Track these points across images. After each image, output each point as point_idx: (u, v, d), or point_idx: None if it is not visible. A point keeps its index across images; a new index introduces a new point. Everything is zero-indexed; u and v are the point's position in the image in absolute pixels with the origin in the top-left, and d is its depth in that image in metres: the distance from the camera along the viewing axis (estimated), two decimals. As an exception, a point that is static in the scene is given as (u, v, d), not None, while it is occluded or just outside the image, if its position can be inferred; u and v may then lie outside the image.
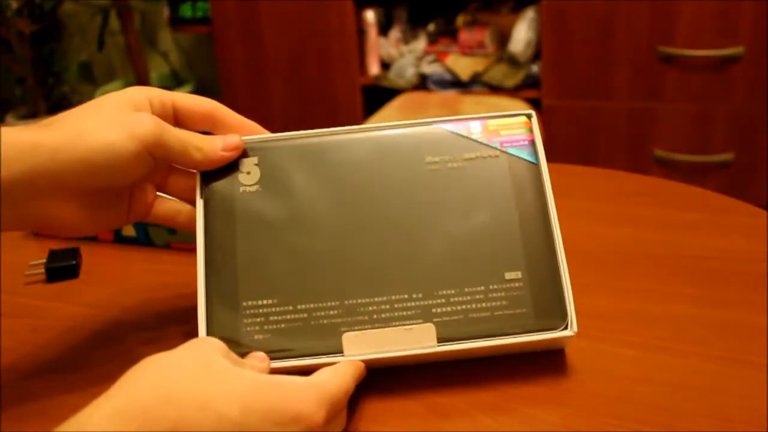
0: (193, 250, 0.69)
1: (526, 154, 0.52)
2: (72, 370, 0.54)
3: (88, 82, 2.99)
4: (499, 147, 0.52)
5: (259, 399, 0.39)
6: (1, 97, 3.02)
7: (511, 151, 0.52)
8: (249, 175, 0.52)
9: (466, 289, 0.49)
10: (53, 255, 0.67)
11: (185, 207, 0.54)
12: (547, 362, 0.51)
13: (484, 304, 0.48)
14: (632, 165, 2.03)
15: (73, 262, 0.67)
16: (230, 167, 0.52)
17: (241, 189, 0.51)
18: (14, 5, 2.66)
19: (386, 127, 0.53)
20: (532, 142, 0.52)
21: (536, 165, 0.52)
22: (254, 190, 0.51)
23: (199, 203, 0.51)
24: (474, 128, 0.52)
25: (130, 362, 0.55)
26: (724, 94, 1.91)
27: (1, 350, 0.57)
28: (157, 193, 0.54)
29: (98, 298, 0.63)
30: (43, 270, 0.66)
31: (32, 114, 2.82)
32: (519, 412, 0.47)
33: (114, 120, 0.48)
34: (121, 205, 0.52)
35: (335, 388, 0.43)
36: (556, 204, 0.63)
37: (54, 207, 0.48)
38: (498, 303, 0.48)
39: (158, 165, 0.51)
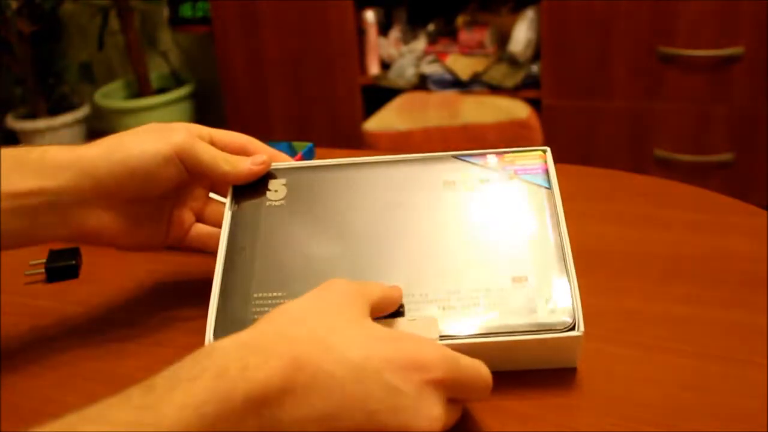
0: (193, 250, 0.69)
1: (539, 180, 0.54)
2: (72, 370, 0.54)
3: (88, 82, 2.99)
4: (513, 173, 0.54)
5: (381, 346, 0.40)
6: (1, 97, 3.01)
7: (525, 177, 0.54)
8: (276, 192, 0.55)
9: (473, 289, 0.49)
10: (53, 255, 0.67)
11: (218, 232, 0.57)
12: (547, 362, 0.51)
13: (490, 302, 0.49)
14: (632, 165, 2.03)
15: (73, 262, 0.67)
16: (259, 185, 0.56)
17: (268, 203, 0.55)
18: (14, 5, 2.66)
19: (406, 158, 0.56)
20: (546, 171, 0.54)
21: (549, 189, 0.53)
22: (279, 205, 0.55)
23: (227, 214, 0.55)
24: (490, 159, 0.55)
25: (131, 362, 0.55)
26: (724, 94, 1.91)
27: (1, 350, 0.57)
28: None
29: (98, 298, 0.63)
30: (43, 270, 0.66)
31: (32, 114, 2.83)
32: (519, 411, 0.47)
33: (151, 135, 0.54)
34: (160, 223, 0.57)
35: (467, 364, 0.42)
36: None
37: (96, 215, 0.53)
38: (505, 303, 0.48)
39: (192, 180, 0.56)
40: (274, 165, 0.56)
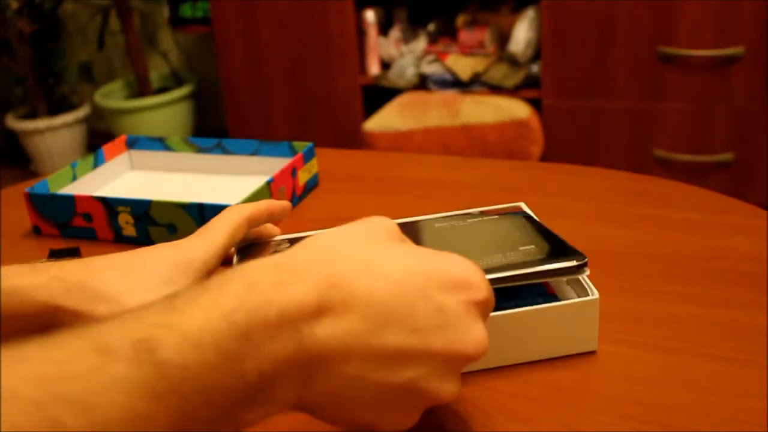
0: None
1: (520, 215, 0.60)
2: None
3: (88, 82, 2.99)
4: (496, 215, 0.60)
5: (423, 263, 0.38)
6: (1, 97, 3.02)
7: (507, 215, 0.60)
8: (280, 246, 0.58)
9: (485, 257, 0.51)
10: (53, 255, 0.67)
11: None
12: (547, 362, 0.51)
13: (503, 260, 0.50)
14: (632, 165, 2.03)
15: (73, 262, 0.66)
16: (264, 247, 0.58)
17: (273, 251, 0.56)
18: (14, 5, 2.66)
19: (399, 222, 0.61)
20: (523, 211, 0.60)
21: (530, 217, 0.59)
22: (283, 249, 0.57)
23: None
24: (474, 212, 0.61)
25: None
26: (724, 94, 1.92)
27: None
28: None
29: (98, 298, 0.63)
30: (43, 270, 0.66)
31: (32, 114, 2.83)
32: (519, 411, 0.47)
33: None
34: None
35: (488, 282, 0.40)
36: (556, 204, 0.63)
37: None
38: (516, 259, 0.51)
39: None
40: (277, 237, 0.59)
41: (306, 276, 0.35)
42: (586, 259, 0.50)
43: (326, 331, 0.34)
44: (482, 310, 0.39)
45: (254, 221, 0.55)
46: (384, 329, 0.35)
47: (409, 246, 0.40)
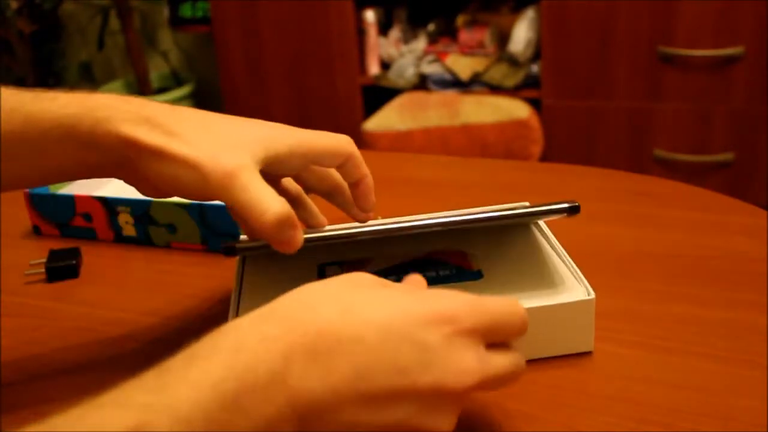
0: (193, 249, 0.70)
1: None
2: (72, 370, 0.54)
3: (88, 82, 2.99)
4: None
5: (404, 304, 0.38)
6: (1, 97, 3.01)
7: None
8: None
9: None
10: (53, 255, 0.67)
11: None
12: (546, 362, 0.51)
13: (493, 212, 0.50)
14: (632, 165, 2.03)
15: (73, 262, 0.67)
16: (264, 246, 0.56)
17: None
18: (14, 5, 2.66)
19: (402, 227, 0.60)
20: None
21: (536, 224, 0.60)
22: None
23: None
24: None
25: (131, 362, 0.55)
26: (724, 94, 1.92)
27: (1, 350, 0.57)
28: None
29: (98, 298, 0.63)
30: (43, 270, 0.66)
31: (32, 114, 2.82)
32: (519, 411, 0.47)
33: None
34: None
35: (495, 304, 0.40)
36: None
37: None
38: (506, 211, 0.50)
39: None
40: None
41: (291, 326, 0.36)
42: (578, 204, 0.49)
43: (316, 381, 0.35)
44: (475, 336, 0.38)
45: (342, 162, 0.54)
46: (371, 373, 0.36)
47: (391, 289, 0.40)
